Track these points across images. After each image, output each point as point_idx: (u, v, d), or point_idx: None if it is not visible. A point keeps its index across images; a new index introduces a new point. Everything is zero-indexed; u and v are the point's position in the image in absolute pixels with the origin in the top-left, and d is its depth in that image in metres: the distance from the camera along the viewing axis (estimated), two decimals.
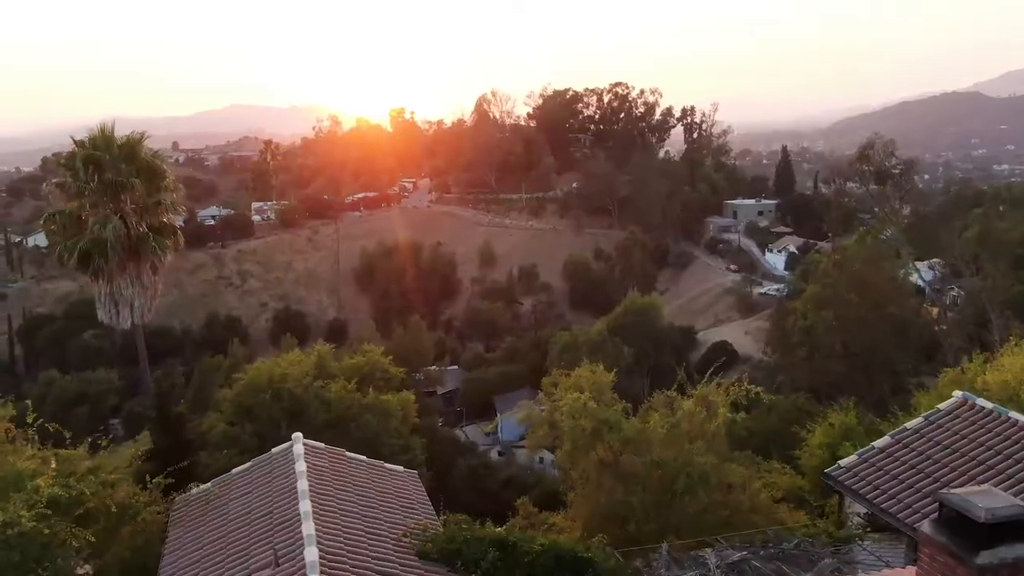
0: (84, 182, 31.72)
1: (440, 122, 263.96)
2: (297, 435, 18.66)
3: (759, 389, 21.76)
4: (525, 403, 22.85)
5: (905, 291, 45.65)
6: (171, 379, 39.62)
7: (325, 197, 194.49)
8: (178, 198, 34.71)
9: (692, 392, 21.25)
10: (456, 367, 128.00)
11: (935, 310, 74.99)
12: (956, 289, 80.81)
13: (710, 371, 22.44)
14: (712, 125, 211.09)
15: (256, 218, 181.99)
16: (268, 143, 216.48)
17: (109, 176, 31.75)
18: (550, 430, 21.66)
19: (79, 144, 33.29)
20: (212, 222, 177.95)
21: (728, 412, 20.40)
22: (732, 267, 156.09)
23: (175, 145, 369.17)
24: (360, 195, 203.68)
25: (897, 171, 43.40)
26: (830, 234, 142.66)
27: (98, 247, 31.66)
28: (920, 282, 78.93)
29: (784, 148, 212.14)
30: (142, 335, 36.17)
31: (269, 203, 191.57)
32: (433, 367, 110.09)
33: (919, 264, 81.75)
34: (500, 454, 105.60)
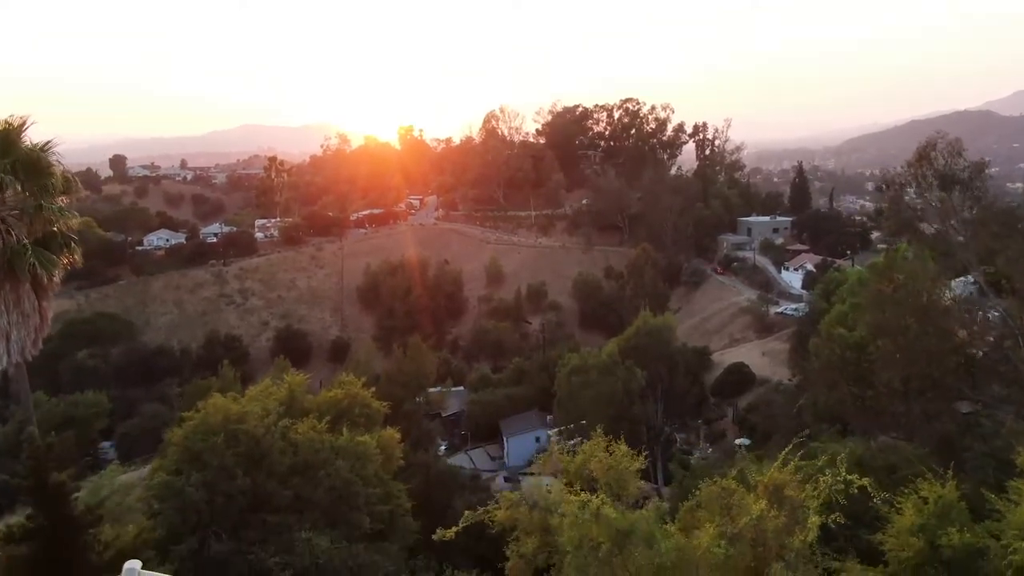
0: None
1: (448, 139, 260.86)
2: (131, 566, 10.02)
3: (866, 481, 14.28)
4: (505, 495, 16.51)
5: (971, 316, 41.69)
6: (49, 440, 34.07)
7: (330, 214, 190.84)
8: (72, 202, 27.31)
9: (758, 479, 14.83)
10: (462, 388, 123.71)
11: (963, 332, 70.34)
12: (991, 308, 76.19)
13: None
14: (725, 141, 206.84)
15: (259, 235, 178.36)
16: (272, 159, 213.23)
17: None
18: (542, 541, 15.51)
19: None
20: (214, 239, 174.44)
21: (821, 519, 13.52)
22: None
23: (183, 163, 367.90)
24: (366, 212, 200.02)
25: (966, 174, 39.31)
26: (848, 251, 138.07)
27: None
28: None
29: (800, 164, 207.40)
30: (25, 376, 30.25)
31: (273, 220, 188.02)
32: (437, 388, 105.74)
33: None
34: (507, 480, 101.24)
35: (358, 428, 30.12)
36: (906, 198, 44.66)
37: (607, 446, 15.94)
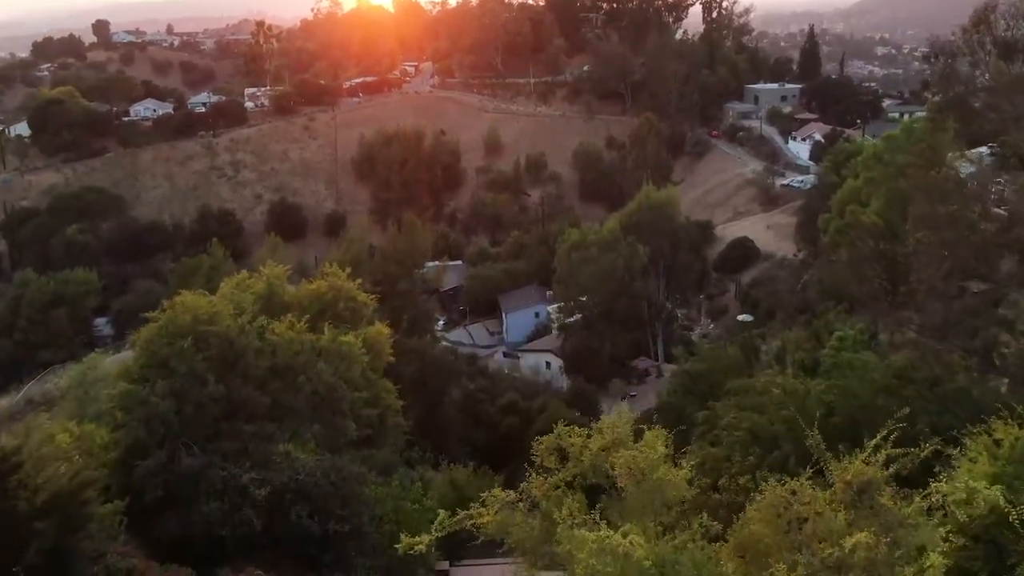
0: None
1: (444, 1, 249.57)
2: None
3: (997, 491, 10.63)
4: (496, 494, 13.02)
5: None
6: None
7: (322, 82, 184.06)
8: None
9: (837, 475, 11.06)
10: (460, 262, 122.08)
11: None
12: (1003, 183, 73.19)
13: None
14: (733, 3, 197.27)
15: (249, 105, 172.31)
16: (260, 24, 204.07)
17: None
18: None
19: None
20: (203, 109, 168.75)
21: (943, 559, 9.31)
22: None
23: (169, 28, 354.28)
24: (359, 80, 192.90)
25: None
26: (859, 121, 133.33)
27: None
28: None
29: (811, 28, 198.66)
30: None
31: (263, 89, 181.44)
32: (434, 263, 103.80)
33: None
34: (506, 355, 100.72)
35: (343, 324, 27.98)
36: (959, 68, 40.74)
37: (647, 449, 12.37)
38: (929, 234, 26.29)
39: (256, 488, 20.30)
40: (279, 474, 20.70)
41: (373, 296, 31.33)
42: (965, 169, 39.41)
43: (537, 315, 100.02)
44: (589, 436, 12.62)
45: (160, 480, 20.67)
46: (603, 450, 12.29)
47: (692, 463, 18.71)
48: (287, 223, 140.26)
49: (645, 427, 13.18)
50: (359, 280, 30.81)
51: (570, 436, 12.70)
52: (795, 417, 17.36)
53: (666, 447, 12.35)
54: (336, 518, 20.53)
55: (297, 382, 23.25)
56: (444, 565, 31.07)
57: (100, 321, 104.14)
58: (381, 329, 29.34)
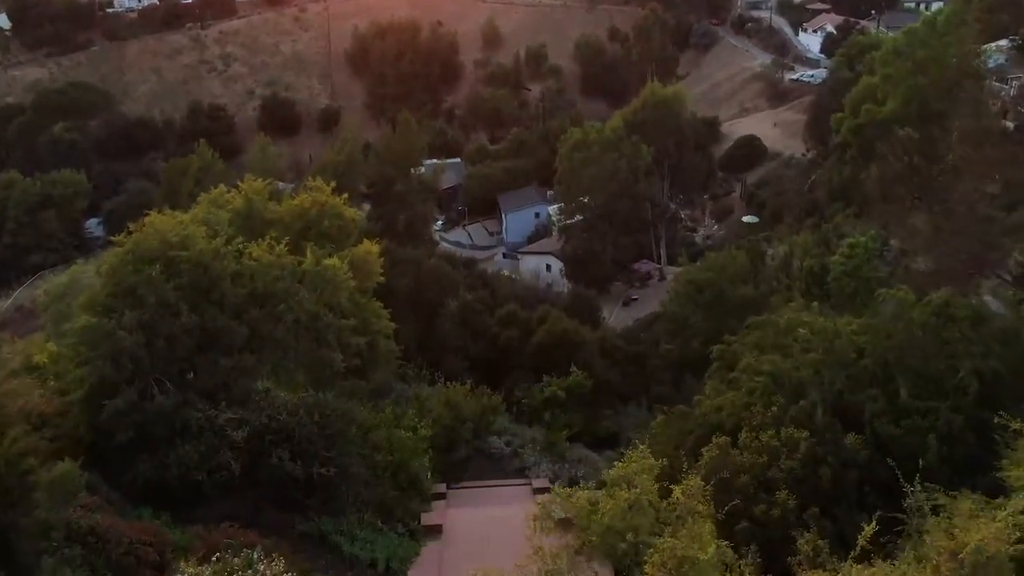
0: None
1: None
2: None
3: None
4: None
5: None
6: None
7: None
8: None
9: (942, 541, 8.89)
10: (458, 160, 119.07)
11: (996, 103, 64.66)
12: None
13: None
14: None
15: None
16: None
17: None
18: None
19: None
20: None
21: None
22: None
23: None
24: None
25: None
26: (873, 12, 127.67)
27: None
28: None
29: None
30: None
31: None
32: (432, 161, 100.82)
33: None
34: (505, 256, 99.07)
35: (328, 243, 26.04)
36: None
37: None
38: (969, 150, 24.08)
39: (233, 430, 18.81)
40: (258, 414, 19.17)
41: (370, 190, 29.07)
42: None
43: (537, 215, 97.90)
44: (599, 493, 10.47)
45: (131, 420, 19.15)
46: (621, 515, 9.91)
47: (709, 407, 17.23)
48: (280, 119, 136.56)
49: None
50: (345, 195, 28.61)
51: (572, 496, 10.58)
52: (823, 361, 15.71)
53: (714, 539, 9.67)
54: (321, 460, 19.11)
55: (278, 311, 21.48)
56: (441, 487, 30.18)
57: (91, 222, 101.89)
58: (369, 248, 27.40)
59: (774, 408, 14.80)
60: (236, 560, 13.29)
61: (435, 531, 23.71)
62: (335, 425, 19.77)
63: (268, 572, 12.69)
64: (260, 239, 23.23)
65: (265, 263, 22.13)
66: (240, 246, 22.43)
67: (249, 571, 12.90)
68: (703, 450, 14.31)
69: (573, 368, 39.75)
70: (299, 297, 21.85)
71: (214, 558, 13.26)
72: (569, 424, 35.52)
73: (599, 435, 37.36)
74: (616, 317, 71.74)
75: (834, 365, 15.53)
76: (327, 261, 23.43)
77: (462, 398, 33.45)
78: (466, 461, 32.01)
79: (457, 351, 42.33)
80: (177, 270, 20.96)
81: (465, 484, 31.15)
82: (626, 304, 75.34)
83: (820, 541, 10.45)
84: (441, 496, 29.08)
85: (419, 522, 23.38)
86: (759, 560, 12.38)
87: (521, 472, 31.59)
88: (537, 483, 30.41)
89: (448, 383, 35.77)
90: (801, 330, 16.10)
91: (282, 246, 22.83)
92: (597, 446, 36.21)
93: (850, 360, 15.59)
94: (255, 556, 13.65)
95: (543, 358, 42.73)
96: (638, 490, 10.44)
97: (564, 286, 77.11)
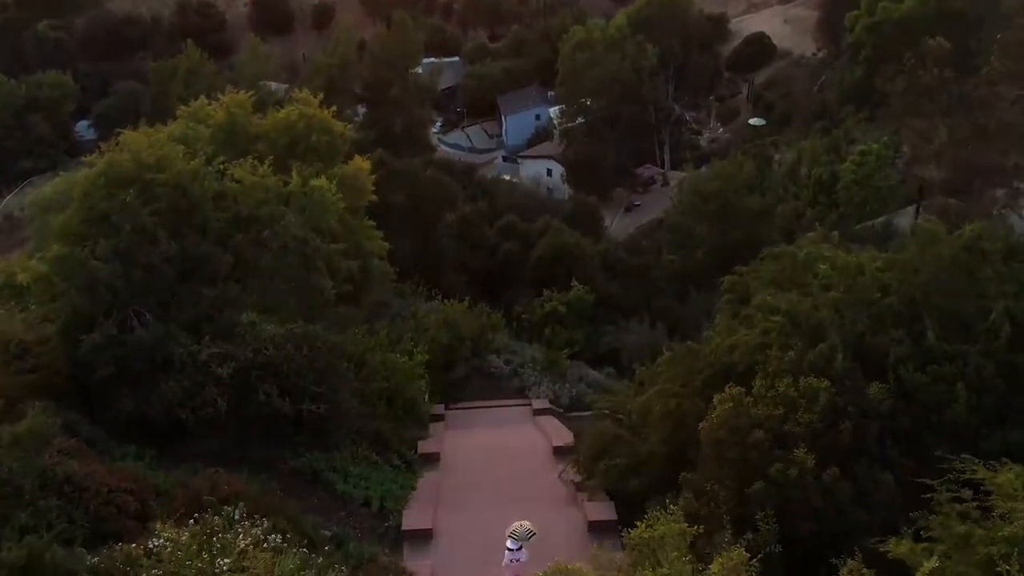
0: None
1: None
2: None
3: None
4: None
5: None
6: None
7: None
8: None
9: None
10: (456, 59, 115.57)
11: None
12: None
13: None
14: None
15: None
16: None
17: None
18: None
19: None
20: None
21: None
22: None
23: None
24: None
25: None
26: None
27: None
28: None
29: None
30: None
31: None
32: (430, 60, 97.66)
33: None
34: (505, 160, 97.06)
35: (317, 158, 24.59)
36: None
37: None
38: (1013, 64, 22.35)
39: (218, 365, 17.88)
40: (244, 349, 18.20)
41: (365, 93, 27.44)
42: None
43: (538, 118, 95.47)
44: None
45: (110, 355, 18.21)
46: None
47: (719, 345, 16.21)
48: (272, 16, 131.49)
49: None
50: (333, 108, 26.90)
51: None
52: (844, 300, 14.62)
53: None
54: (310, 396, 18.25)
55: (263, 237, 20.29)
56: (439, 408, 29.63)
57: (82, 125, 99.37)
58: (360, 164, 25.96)
59: (791, 352, 13.78)
60: (216, 520, 12.50)
61: (432, 459, 23.18)
62: (325, 358, 18.85)
63: (249, 535, 11.90)
64: (243, 157, 21.83)
65: (248, 185, 20.81)
66: (221, 166, 21.07)
67: (230, 533, 12.11)
68: (714, 399, 13.35)
69: (574, 282, 38.91)
70: (285, 222, 20.60)
71: (192, 519, 12.47)
72: (570, 341, 34.83)
73: (600, 351, 36.67)
74: (618, 224, 70.57)
75: (856, 304, 14.43)
76: (315, 182, 22.09)
77: (461, 315, 32.65)
78: (465, 380, 31.41)
79: (455, 266, 41.31)
80: (154, 194, 19.67)
81: (463, 405, 30.61)
82: (628, 210, 74.01)
83: (865, 571, 9.50)
84: (439, 418, 28.54)
85: (416, 452, 22.81)
86: (776, 524, 11.60)
87: (521, 392, 31.02)
88: (537, 404, 29.90)
89: (446, 300, 34.93)
90: (822, 265, 14.97)
91: (266, 166, 21.47)
92: (598, 363, 35.58)
93: (873, 299, 14.49)
94: (236, 514, 12.87)
95: (543, 272, 41.81)
96: (665, 570, 9.12)
97: (565, 192, 75.62)
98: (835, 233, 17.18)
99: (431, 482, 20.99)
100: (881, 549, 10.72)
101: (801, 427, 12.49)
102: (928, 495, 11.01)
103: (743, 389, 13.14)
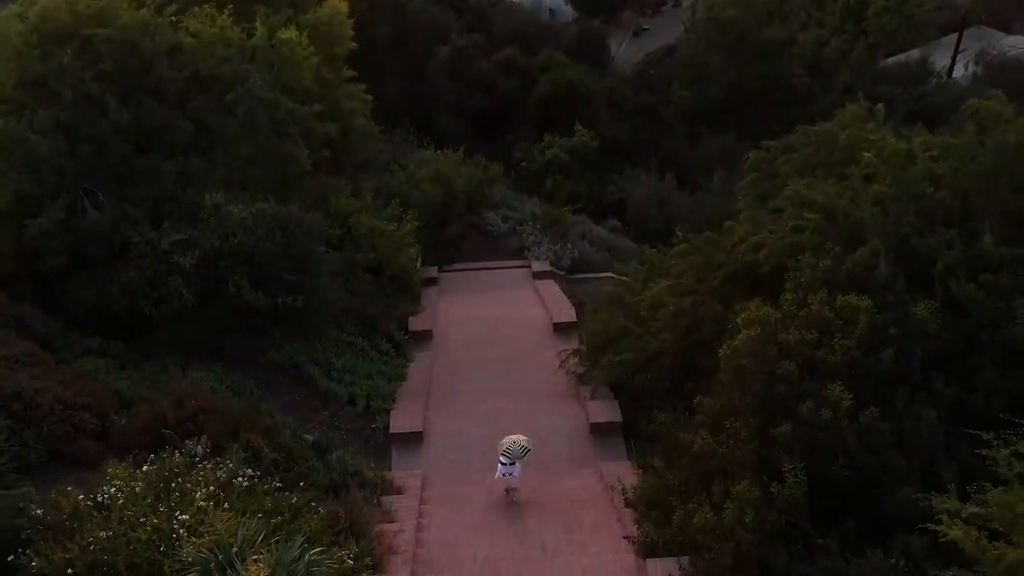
0: None
1: None
2: None
3: None
4: None
5: None
6: None
7: None
8: None
9: None
10: None
11: None
12: None
13: None
14: None
15: None
16: None
17: None
18: None
19: None
20: None
21: None
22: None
23: None
24: None
25: None
26: None
27: None
28: None
29: None
30: None
31: None
32: None
33: None
34: None
35: (286, 2, 21.66)
36: None
37: None
38: None
39: (180, 254, 16.08)
40: (209, 235, 16.32)
41: None
42: None
43: None
44: None
45: (60, 242, 16.37)
46: None
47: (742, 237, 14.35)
48: None
49: None
50: None
51: None
52: (890, 195, 12.61)
53: None
54: (286, 288, 16.57)
55: (226, 101, 17.90)
56: (432, 271, 28.08)
57: None
58: (336, 5, 22.98)
59: (826, 259, 11.94)
60: (177, 457, 11.12)
61: (424, 338, 21.78)
62: (301, 243, 17.02)
63: (212, 477, 10.54)
64: (198, 5, 19.07)
65: (206, 40, 18.20)
66: (172, 18, 18.38)
67: (191, 473, 10.77)
68: (739, 319, 11.62)
69: (578, 127, 36.31)
70: (251, 82, 18.14)
71: (149, 460, 11.09)
72: (573, 196, 32.76)
73: (605, 202, 34.65)
74: (625, 50, 66.27)
75: (902, 199, 12.40)
76: (283, 33, 19.35)
77: (455, 168, 30.50)
78: (460, 239, 29.67)
79: (450, 107, 38.46)
80: (97, 52, 17.16)
81: (458, 266, 28.98)
82: (636, 35, 69.40)
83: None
84: (432, 282, 26.97)
85: (406, 332, 21.35)
86: (804, 476, 10.16)
87: (520, 252, 29.29)
88: (537, 266, 28.22)
89: (440, 148, 32.59)
90: (866, 153, 12.79)
91: (225, 15, 18.72)
92: (602, 215, 33.66)
93: (924, 192, 12.43)
94: (199, 451, 11.49)
95: (546, 112, 39.06)
96: None
97: (569, 14, 70.74)
98: (880, 106, 14.85)
99: (422, 370, 19.65)
100: (922, 505, 9.41)
101: (836, 355, 10.82)
102: (975, 431, 9.56)
103: (771, 310, 11.37)
